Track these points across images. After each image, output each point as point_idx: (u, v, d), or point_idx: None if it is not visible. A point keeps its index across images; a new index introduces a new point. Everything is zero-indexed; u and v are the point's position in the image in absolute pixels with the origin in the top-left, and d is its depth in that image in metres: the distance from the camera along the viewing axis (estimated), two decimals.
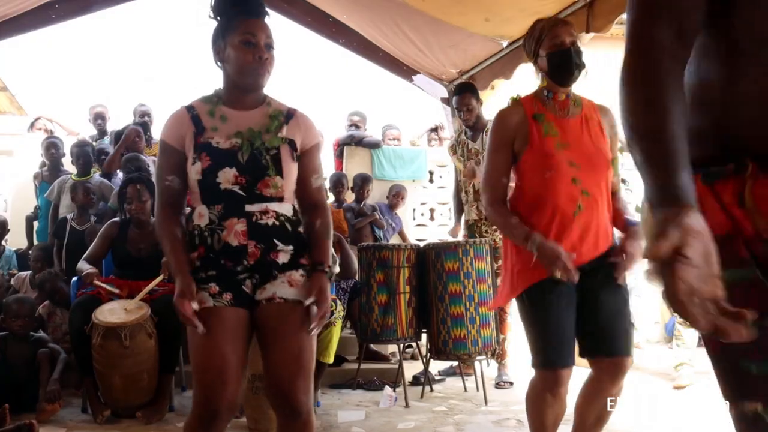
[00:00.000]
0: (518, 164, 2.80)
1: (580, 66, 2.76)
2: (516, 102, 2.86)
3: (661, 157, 1.17)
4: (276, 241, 2.34)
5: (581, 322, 2.78)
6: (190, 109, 2.41)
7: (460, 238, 5.48)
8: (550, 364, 2.75)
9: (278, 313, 2.30)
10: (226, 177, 2.31)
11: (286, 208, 2.39)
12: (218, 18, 2.41)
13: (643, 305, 7.42)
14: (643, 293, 7.42)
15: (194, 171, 2.32)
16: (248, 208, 2.31)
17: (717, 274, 1.13)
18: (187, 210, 2.46)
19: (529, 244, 2.63)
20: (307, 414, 2.28)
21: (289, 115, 2.46)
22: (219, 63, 2.42)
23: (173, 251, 2.32)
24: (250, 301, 2.33)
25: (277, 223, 2.35)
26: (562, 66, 2.76)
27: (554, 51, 2.76)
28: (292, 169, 2.40)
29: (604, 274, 2.72)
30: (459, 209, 5.60)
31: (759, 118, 1.21)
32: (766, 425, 1.21)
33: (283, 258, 2.35)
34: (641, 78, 1.22)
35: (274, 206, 2.35)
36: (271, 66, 2.37)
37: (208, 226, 2.33)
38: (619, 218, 2.85)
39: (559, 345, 2.73)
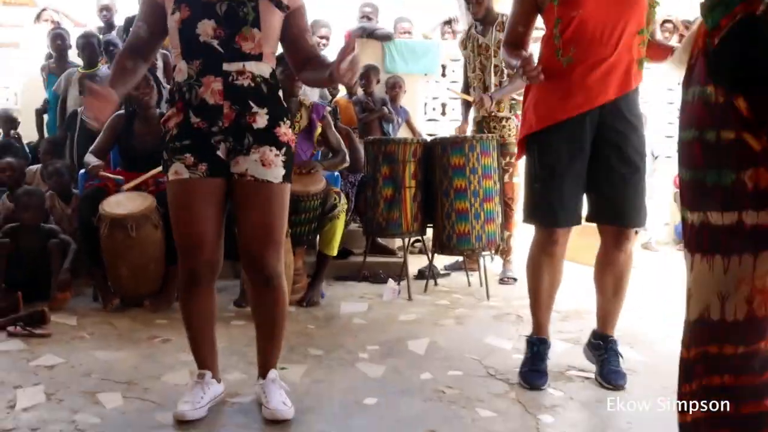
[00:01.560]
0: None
1: None
2: None
3: None
4: (251, 103, 2.39)
5: (590, 181, 2.80)
6: None
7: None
8: (546, 222, 2.83)
9: (249, 190, 2.43)
10: (205, 29, 2.34)
11: (264, 68, 2.41)
12: None
13: (653, 206, 7.39)
14: (653, 195, 7.39)
15: (173, 20, 2.37)
16: (225, 66, 2.36)
17: None
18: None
19: (515, 62, 2.72)
20: (277, 279, 2.51)
21: None
22: None
23: (112, 73, 2.43)
24: (225, 169, 2.43)
25: (252, 84, 2.39)
26: None
27: None
28: (272, 24, 2.39)
29: (620, 134, 2.72)
30: (467, 105, 5.51)
31: None
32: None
33: (259, 122, 2.40)
34: None
35: (251, 66, 2.37)
36: None
37: (186, 81, 2.39)
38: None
39: (558, 203, 2.78)
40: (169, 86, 2.77)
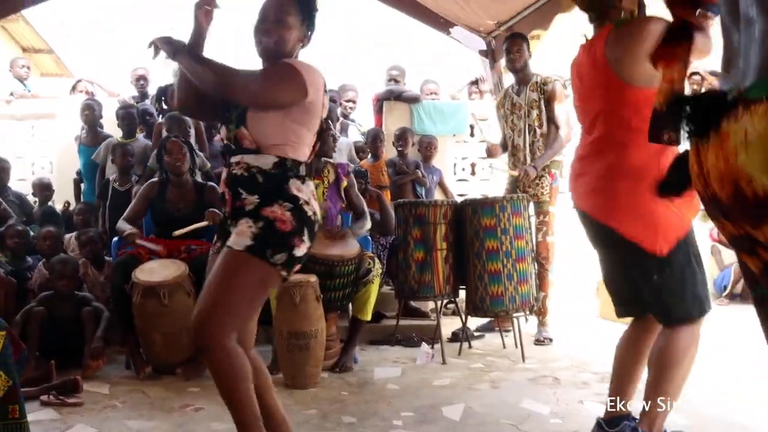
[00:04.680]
0: None
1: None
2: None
3: None
4: (240, 190, 2.45)
5: None
6: None
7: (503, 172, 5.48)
8: (706, 307, 2.65)
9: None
10: (223, 133, 2.59)
11: (263, 160, 2.45)
12: None
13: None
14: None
15: (223, 131, 2.61)
16: (231, 159, 2.51)
17: None
18: None
19: None
20: (214, 349, 2.32)
21: None
22: None
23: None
24: None
25: (246, 174, 2.46)
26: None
27: None
28: (262, 120, 2.45)
29: None
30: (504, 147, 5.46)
31: None
32: None
33: (249, 206, 2.44)
34: None
35: (249, 158, 2.46)
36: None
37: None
38: None
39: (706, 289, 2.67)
40: (200, 152, 2.88)
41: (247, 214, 2.41)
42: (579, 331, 5.54)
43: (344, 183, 4.64)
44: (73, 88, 8.21)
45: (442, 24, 7.01)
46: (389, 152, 6.79)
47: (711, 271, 7.42)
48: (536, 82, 5.09)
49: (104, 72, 9.01)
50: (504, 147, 5.40)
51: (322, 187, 4.57)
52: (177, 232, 4.38)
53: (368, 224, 4.67)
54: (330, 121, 4.88)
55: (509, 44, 5.19)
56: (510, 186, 5.26)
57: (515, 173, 5.16)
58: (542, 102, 5.05)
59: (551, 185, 5.06)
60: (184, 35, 2.46)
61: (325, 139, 4.21)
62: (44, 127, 7.84)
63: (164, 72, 7.43)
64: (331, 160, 4.72)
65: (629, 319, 2.88)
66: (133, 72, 7.58)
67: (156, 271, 4.24)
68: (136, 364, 4.31)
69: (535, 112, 5.06)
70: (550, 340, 5.06)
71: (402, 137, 6.56)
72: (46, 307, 4.42)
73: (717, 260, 7.41)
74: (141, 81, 7.50)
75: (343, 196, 4.66)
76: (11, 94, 7.84)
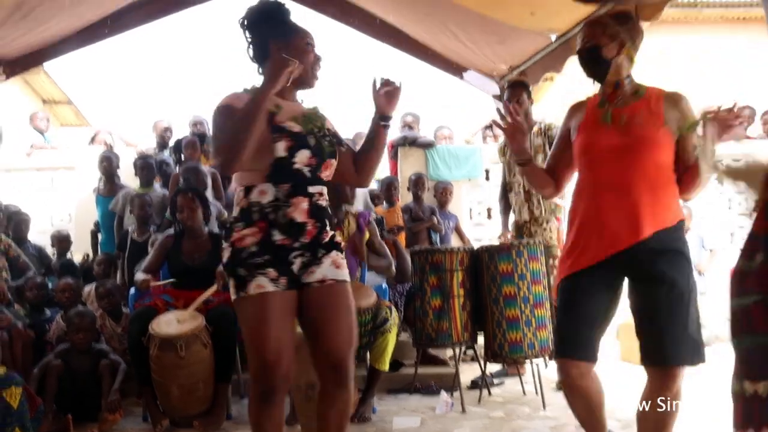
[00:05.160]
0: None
1: (591, 65, 2.84)
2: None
3: None
4: (326, 220, 2.62)
5: (636, 323, 2.76)
6: (248, 92, 2.62)
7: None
8: (556, 352, 2.86)
9: (332, 293, 2.58)
10: (302, 158, 2.55)
11: (326, 191, 2.67)
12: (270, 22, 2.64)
13: (709, 301, 7.17)
14: (708, 289, 7.18)
15: (280, 149, 2.52)
16: (310, 189, 2.58)
17: None
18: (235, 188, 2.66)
19: None
20: (351, 379, 2.60)
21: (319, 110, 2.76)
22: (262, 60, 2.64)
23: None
24: (298, 282, 2.56)
25: (326, 204, 2.65)
26: (582, 66, 2.90)
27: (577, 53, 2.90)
28: (340, 155, 2.70)
29: (654, 266, 2.66)
30: (506, 211, 5.48)
31: None
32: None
33: (328, 237, 2.62)
34: None
35: (324, 190, 2.65)
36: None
37: (272, 203, 2.52)
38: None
39: (567, 334, 2.79)
40: (217, 201, 2.90)
41: (334, 246, 2.62)
42: (600, 375, 5.43)
43: (367, 235, 4.58)
44: (92, 139, 8.33)
45: (455, 69, 7.07)
46: (404, 198, 6.81)
47: None
48: (540, 128, 5.09)
49: (123, 122, 9.13)
50: (504, 191, 5.44)
51: (341, 238, 4.53)
52: (189, 308, 4.36)
53: (392, 269, 4.63)
54: None
55: (509, 94, 5.21)
56: (516, 232, 5.24)
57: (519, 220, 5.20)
58: (546, 146, 5.04)
59: (558, 229, 5.04)
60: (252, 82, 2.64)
61: (340, 189, 4.24)
62: (64, 178, 7.94)
63: (183, 124, 7.58)
64: (352, 209, 4.68)
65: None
66: (156, 123, 7.68)
67: (172, 323, 4.23)
68: (153, 417, 4.29)
69: (540, 157, 5.06)
70: None
71: (418, 183, 6.58)
72: (63, 359, 4.43)
73: None
74: (168, 132, 7.58)
75: (363, 250, 4.61)
76: (31, 146, 7.96)
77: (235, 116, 2.47)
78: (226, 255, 2.55)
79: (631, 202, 2.68)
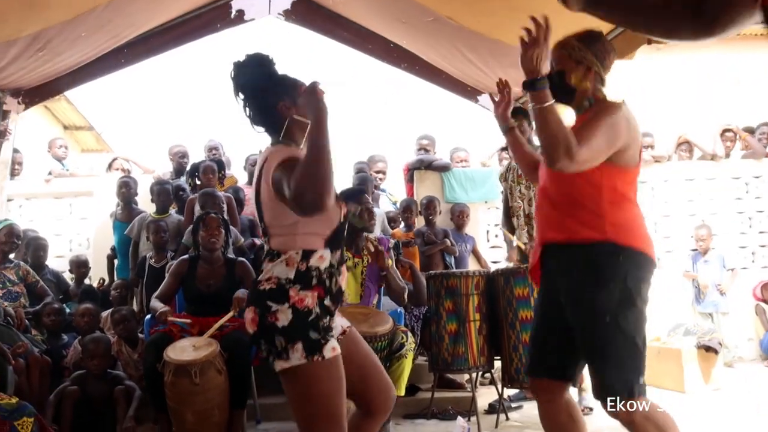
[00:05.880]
0: None
1: (557, 91, 2.67)
2: None
3: None
4: None
5: None
6: (289, 144, 2.55)
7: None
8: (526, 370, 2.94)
9: (355, 338, 2.73)
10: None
11: None
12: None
13: (732, 321, 7.08)
14: (730, 309, 7.09)
15: (341, 215, 2.53)
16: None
17: None
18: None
19: None
20: None
21: None
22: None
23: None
24: None
25: None
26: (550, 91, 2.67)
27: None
28: None
29: (569, 278, 2.67)
30: (513, 233, 5.46)
31: None
32: None
33: None
34: None
35: None
36: None
37: (328, 269, 2.47)
38: None
39: (531, 351, 2.87)
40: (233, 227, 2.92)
41: None
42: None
43: (389, 261, 4.54)
44: (110, 165, 8.38)
45: (470, 92, 7.08)
46: (417, 222, 6.80)
47: (757, 330, 7.21)
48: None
49: (141, 148, 9.20)
50: (507, 217, 5.43)
51: (361, 265, 4.54)
52: (205, 335, 4.34)
53: (404, 294, 4.57)
54: (365, 194, 4.84)
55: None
56: (519, 256, 5.21)
57: (521, 244, 5.14)
58: None
59: None
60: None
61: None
62: (82, 204, 7.99)
63: (198, 149, 7.62)
64: (372, 236, 4.66)
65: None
66: (172, 148, 7.72)
67: (187, 349, 4.23)
68: None
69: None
70: (590, 409, 4.90)
71: (429, 206, 6.56)
72: (79, 385, 4.45)
73: (762, 320, 7.18)
74: (185, 158, 7.62)
75: (394, 270, 4.56)
76: (50, 173, 8.03)
77: (310, 161, 2.26)
78: (285, 317, 2.37)
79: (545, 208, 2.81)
